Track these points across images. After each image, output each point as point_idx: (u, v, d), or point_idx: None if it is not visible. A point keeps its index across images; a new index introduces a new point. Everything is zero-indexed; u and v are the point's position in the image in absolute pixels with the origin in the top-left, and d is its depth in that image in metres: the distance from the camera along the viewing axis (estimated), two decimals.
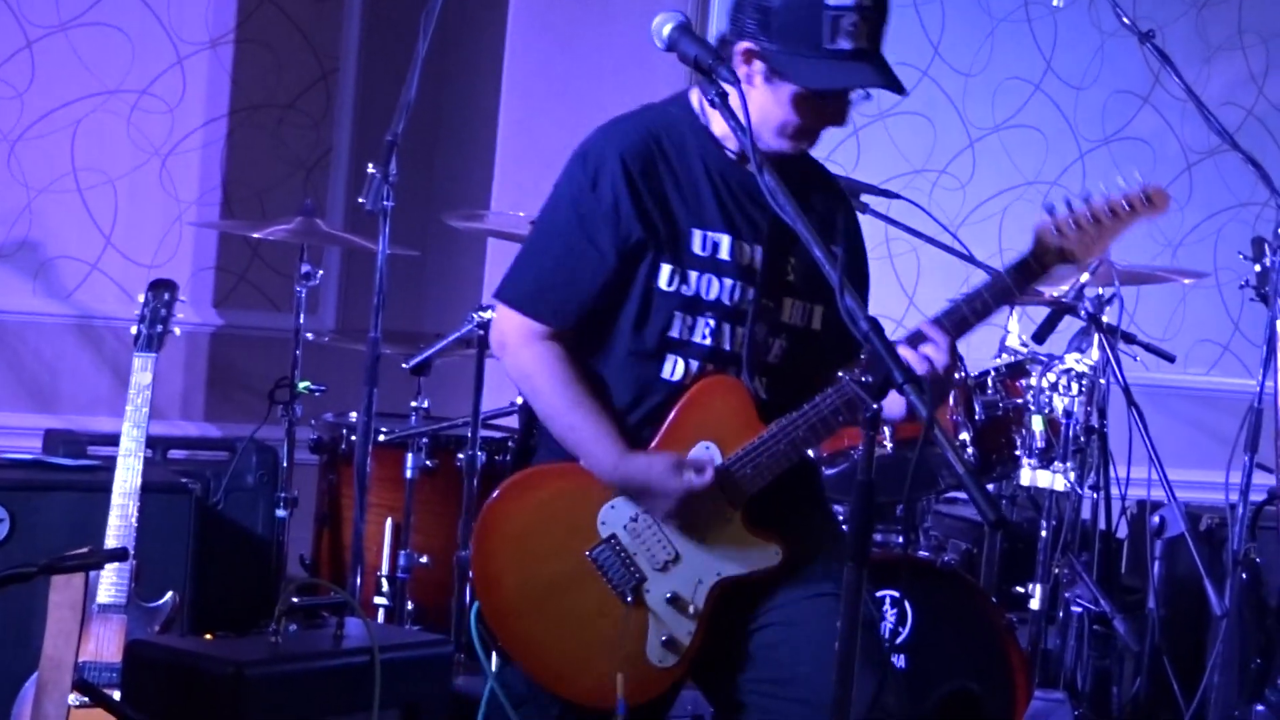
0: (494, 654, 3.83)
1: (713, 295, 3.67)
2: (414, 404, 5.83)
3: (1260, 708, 5.58)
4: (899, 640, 5.16)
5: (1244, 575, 5.43)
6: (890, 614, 5.17)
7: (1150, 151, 7.50)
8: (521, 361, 3.72)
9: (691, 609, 3.67)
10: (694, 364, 3.68)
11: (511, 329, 3.73)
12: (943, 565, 5.35)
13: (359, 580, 5.36)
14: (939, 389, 3.59)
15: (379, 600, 5.71)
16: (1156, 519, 6.05)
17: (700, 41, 3.51)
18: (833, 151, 7.09)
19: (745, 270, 3.68)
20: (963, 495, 6.31)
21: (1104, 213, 3.65)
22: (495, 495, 3.79)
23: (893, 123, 7.24)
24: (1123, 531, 6.49)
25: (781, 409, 3.64)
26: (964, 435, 5.43)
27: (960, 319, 3.60)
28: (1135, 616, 5.86)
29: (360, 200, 5.12)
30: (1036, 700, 5.26)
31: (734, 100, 3.42)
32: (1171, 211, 7.37)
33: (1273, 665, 5.67)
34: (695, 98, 3.73)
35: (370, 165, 5.08)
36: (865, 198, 5.43)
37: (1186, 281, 6.49)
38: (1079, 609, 5.63)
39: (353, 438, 5.65)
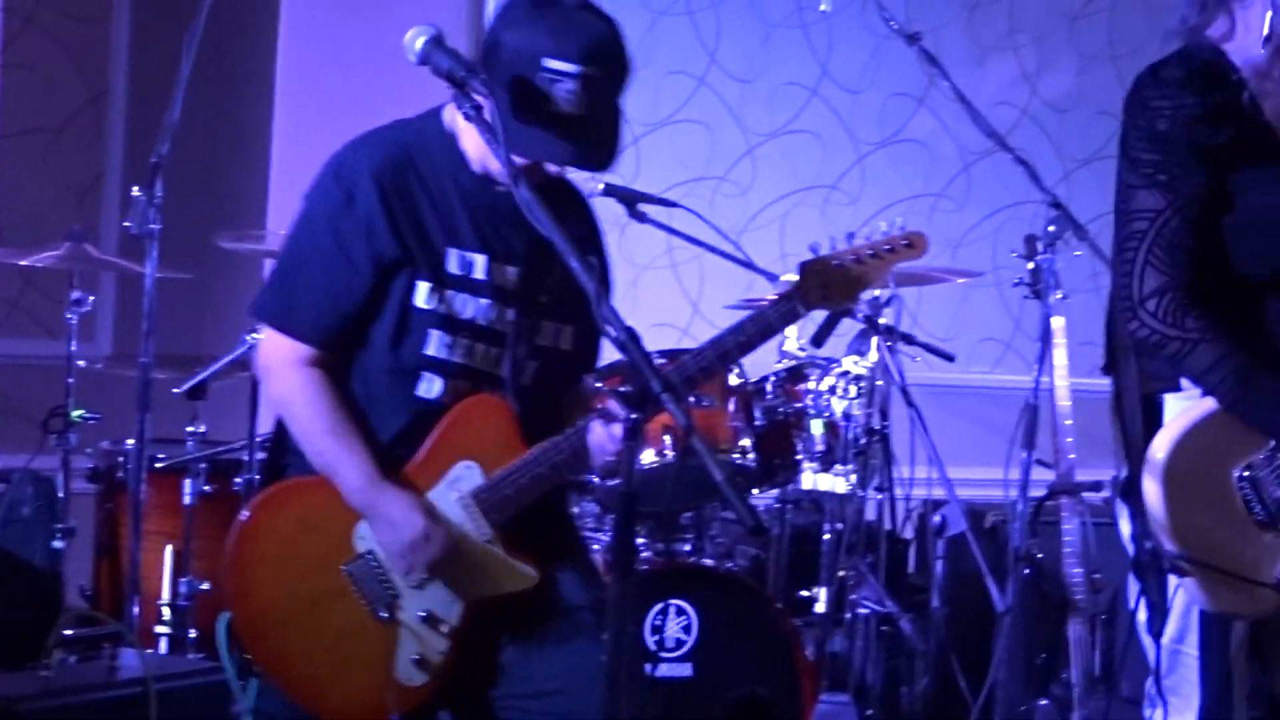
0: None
1: (468, 314, 3.66)
2: (190, 429, 5.76)
3: (1045, 702, 5.64)
4: (685, 649, 5.15)
5: (1026, 571, 5.48)
6: (676, 623, 5.16)
7: (927, 153, 7.58)
8: (283, 386, 3.70)
9: (445, 627, 3.66)
10: (449, 382, 3.67)
11: (274, 351, 3.71)
12: (727, 572, 5.36)
13: (137, 610, 5.29)
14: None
15: (161, 629, 5.63)
16: (938, 518, 6.10)
17: (453, 54, 3.47)
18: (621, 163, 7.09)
19: (501, 290, 3.69)
20: (756, 501, 6.33)
21: (866, 254, 3.69)
22: (249, 509, 3.77)
23: (671, 131, 7.25)
24: (910, 532, 6.54)
25: (534, 429, 3.65)
26: (744, 441, 5.44)
27: (703, 367, 3.61)
28: (922, 616, 5.91)
29: (126, 224, 5.05)
30: (822, 703, 5.28)
31: (488, 114, 3.40)
32: (950, 211, 7.52)
33: (1057, 659, 5.74)
34: (448, 114, 3.72)
35: (136, 188, 5.00)
36: (646, 208, 5.42)
37: (960, 281, 6.54)
38: (865, 610, 5.66)
39: (129, 465, 5.56)
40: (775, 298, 3.70)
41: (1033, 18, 7.70)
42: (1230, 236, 3.58)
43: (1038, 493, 5.56)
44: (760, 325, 3.64)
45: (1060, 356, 5.59)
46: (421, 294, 3.63)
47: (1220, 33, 3.67)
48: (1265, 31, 3.62)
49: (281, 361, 3.69)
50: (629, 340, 3.09)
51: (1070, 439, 5.61)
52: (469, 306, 3.66)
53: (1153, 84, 3.61)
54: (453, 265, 3.65)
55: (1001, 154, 5.66)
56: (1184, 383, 3.62)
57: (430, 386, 3.67)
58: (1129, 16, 7.54)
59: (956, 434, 7.15)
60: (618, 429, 3.50)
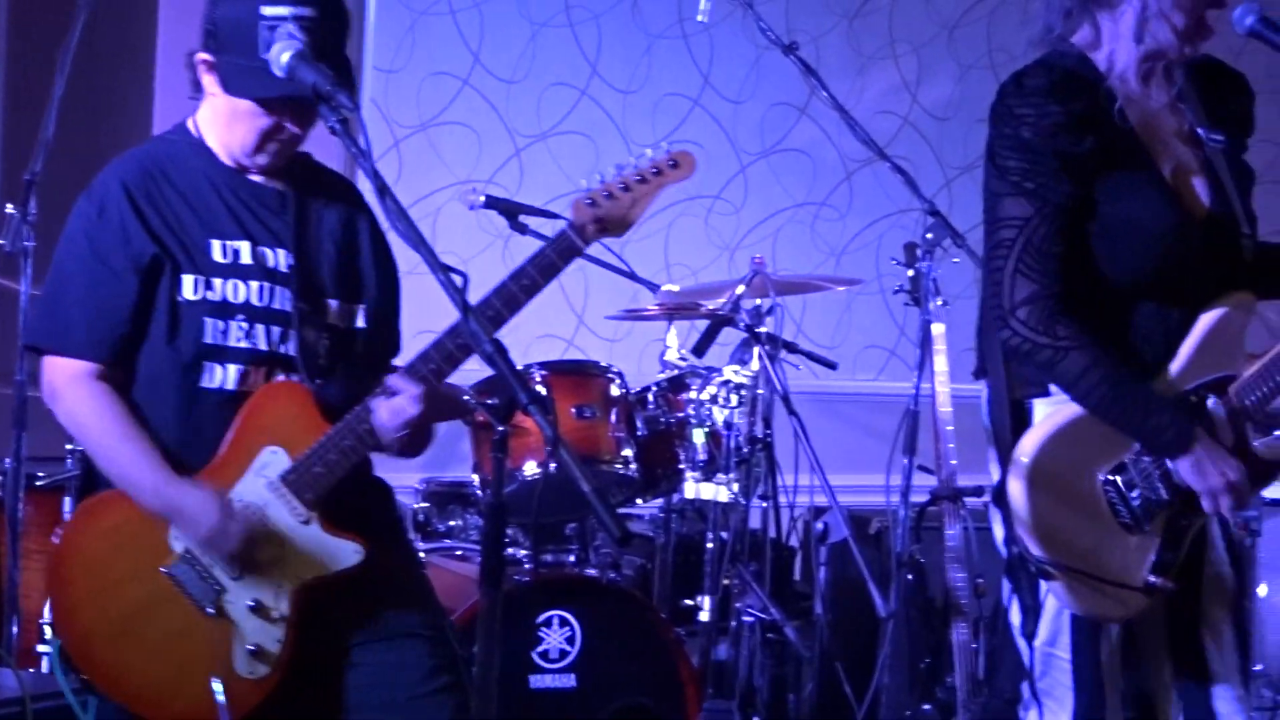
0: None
1: (240, 298, 3.72)
2: (70, 447, 5.69)
3: (928, 706, 5.68)
4: (569, 660, 5.15)
5: (909, 576, 5.51)
6: (560, 633, 5.16)
7: (810, 162, 7.61)
8: (69, 405, 3.73)
9: (276, 614, 3.67)
10: (243, 369, 3.71)
11: (56, 374, 3.75)
12: (610, 582, 5.36)
13: (16, 629, 5.23)
14: (414, 441, 3.68)
15: (43, 648, 5.56)
16: (821, 525, 6.13)
17: (319, 68, 3.48)
18: (495, 173, 7.09)
19: (272, 273, 3.75)
20: (637, 512, 6.34)
21: (634, 179, 3.74)
22: (64, 527, 3.78)
23: (554, 142, 7.24)
24: (796, 539, 6.56)
25: (339, 407, 3.68)
26: (626, 451, 5.45)
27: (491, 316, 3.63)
28: (806, 623, 5.93)
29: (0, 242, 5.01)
30: (707, 711, 5.29)
31: (205, 110, 3.74)
32: (833, 220, 7.56)
33: (941, 664, 5.77)
34: (191, 122, 3.82)
35: (9, 206, 4.97)
36: (527, 219, 5.42)
37: (840, 289, 6.58)
38: (750, 618, 5.67)
39: (7, 484, 5.50)
40: (552, 236, 3.73)
41: (913, 27, 7.74)
42: (1097, 243, 3.62)
43: (921, 498, 5.60)
44: (541, 265, 3.70)
45: (941, 363, 5.63)
46: (188, 287, 3.69)
47: (1086, 40, 3.71)
48: (1133, 34, 3.67)
49: (65, 382, 3.72)
50: (496, 352, 3.09)
51: (952, 444, 5.66)
52: (240, 291, 3.72)
53: (1017, 92, 3.64)
54: (217, 254, 3.72)
55: (883, 162, 5.70)
56: (1052, 388, 3.65)
57: (218, 376, 3.71)
58: (1007, 25, 7.60)
59: (841, 440, 7.19)
60: (400, 402, 3.57)
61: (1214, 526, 3.79)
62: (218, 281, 3.70)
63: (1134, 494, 3.60)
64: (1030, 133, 3.59)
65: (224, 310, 3.70)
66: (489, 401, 3.19)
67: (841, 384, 7.13)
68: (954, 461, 5.63)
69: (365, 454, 3.69)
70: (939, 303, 5.54)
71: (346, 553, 3.67)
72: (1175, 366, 3.63)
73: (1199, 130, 3.74)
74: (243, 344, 3.70)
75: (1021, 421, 3.68)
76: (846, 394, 7.44)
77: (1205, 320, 3.64)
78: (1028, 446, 3.60)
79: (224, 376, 3.70)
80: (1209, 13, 3.66)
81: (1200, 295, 3.65)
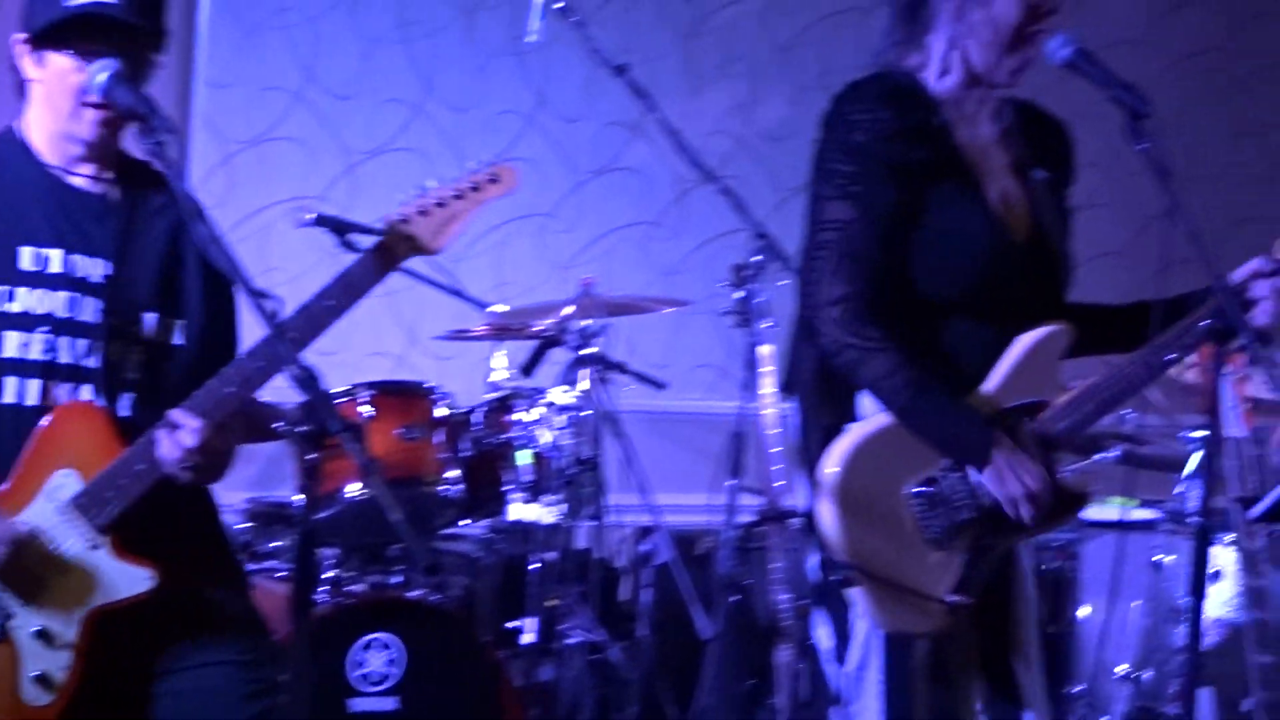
0: None
1: (44, 309, 3.63)
2: None
3: None
4: (391, 683, 5.13)
5: (734, 597, 5.53)
6: (381, 656, 5.13)
7: (642, 181, 7.61)
8: None
9: (62, 641, 3.58)
10: (37, 384, 3.62)
11: None
12: (433, 604, 5.34)
13: None
14: (207, 469, 3.58)
15: None
16: (646, 546, 6.15)
17: (136, 91, 3.46)
18: (327, 190, 7.04)
19: (82, 284, 3.66)
20: (463, 532, 6.32)
21: (450, 196, 3.70)
22: None
23: (388, 159, 7.21)
24: (623, 560, 6.58)
25: (141, 428, 3.58)
26: (451, 472, 5.44)
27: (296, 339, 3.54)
28: (631, 644, 5.94)
29: None
30: None
31: (30, 108, 3.67)
32: (665, 240, 7.57)
33: (765, 685, 5.80)
34: (17, 124, 3.73)
35: None
36: (357, 237, 5.38)
37: (667, 311, 6.59)
38: (575, 640, 5.68)
39: None
40: (361, 253, 3.68)
41: (747, 48, 7.77)
42: (916, 255, 3.66)
43: (747, 519, 5.62)
44: (348, 283, 3.63)
45: (768, 384, 5.67)
46: None
47: (916, 64, 3.76)
48: (939, 64, 3.72)
49: None
50: (308, 379, 3.07)
51: (778, 466, 5.69)
52: (45, 302, 3.63)
53: (852, 98, 3.68)
54: (25, 262, 3.63)
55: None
56: (860, 410, 3.68)
57: (19, 391, 3.61)
58: (840, 48, 7.65)
59: (672, 460, 7.20)
60: (181, 436, 3.48)
61: (1022, 551, 3.83)
62: (21, 291, 3.61)
63: (940, 510, 3.64)
64: (862, 137, 3.63)
65: (25, 322, 3.60)
66: (300, 429, 3.13)
67: (672, 404, 7.14)
68: (780, 482, 5.65)
69: (158, 475, 3.57)
70: (767, 324, 5.57)
71: (136, 579, 3.57)
72: (989, 386, 3.67)
73: (1025, 166, 3.80)
74: (44, 358, 3.61)
75: (830, 440, 3.69)
76: (677, 414, 7.45)
77: (1022, 343, 3.68)
78: (833, 460, 3.62)
79: (24, 391, 3.61)
80: (1022, 47, 3.71)
81: (1016, 319, 3.69)
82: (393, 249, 3.64)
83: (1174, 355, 3.69)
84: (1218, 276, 3.56)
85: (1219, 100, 8.71)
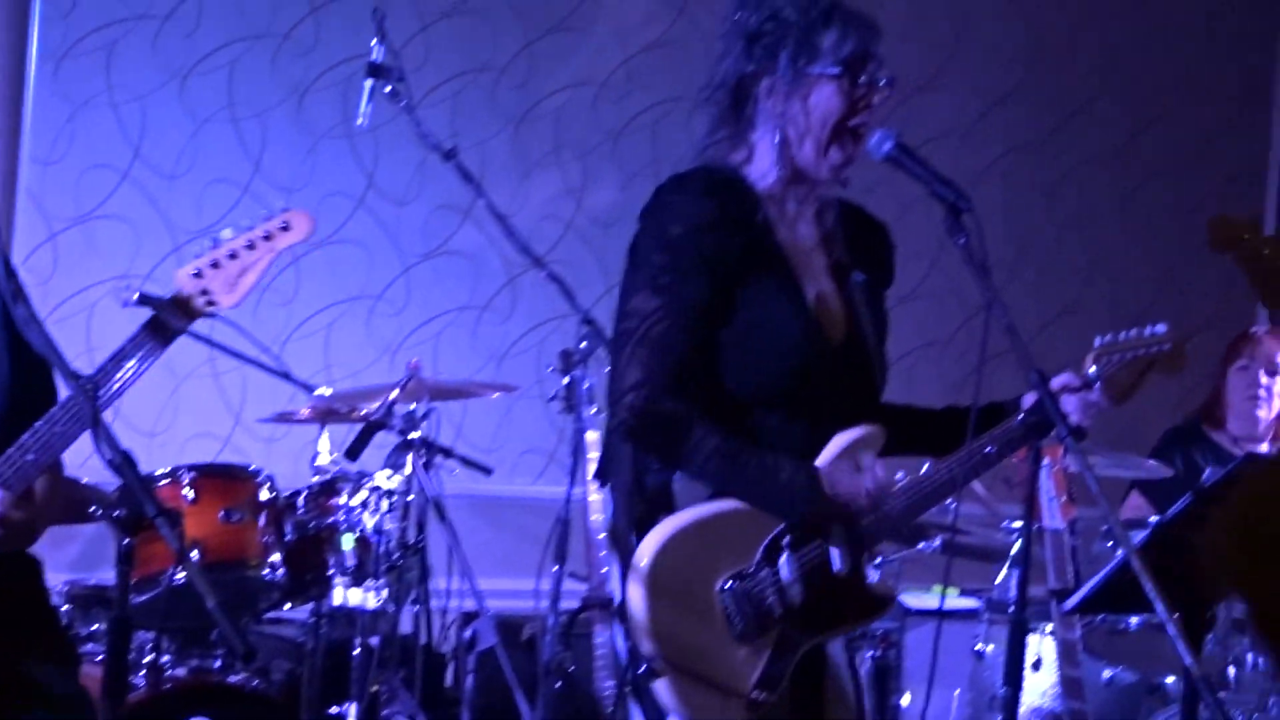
0: None
1: None
2: None
3: None
4: None
5: (557, 684, 5.52)
6: None
7: (473, 265, 7.61)
8: None
9: None
10: None
11: None
12: (252, 689, 5.29)
13: None
14: (10, 541, 3.53)
15: None
16: (469, 632, 6.12)
17: None
18: (153, 269, 6.98)
19: None
20: (289, 616, 6.27)
21: (242, 246, 3.67)
22: None
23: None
24: (449, 645, 6.54)
25: None
26: (274, 555, 5.40)
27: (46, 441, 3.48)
28: None
29: None
30: None
31: None
32: (495, 324, 7.57)
33: None
34: None
35: None
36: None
37: (494, 395, 6.60)
38: None
39: None
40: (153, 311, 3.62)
41: (577, 134, 7.80)
42: (728, 350, 3.68)
43: (572, 605, 5.63)
44: (142, 344, 3.56)
45: (593, 470, 5.68)
46: None
47: (740, 158, 3.79)
48: (766, 160, 3.76)
49: None
50: (124, 462, 3.05)
51: (603, 552, 5.69)
52: None
53: (674, 190, 3.71)
54: None
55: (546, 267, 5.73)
56: (675, 500, 3.70)
57: None
58: (671, 135, 7.70)
59: (499, 545, 7.19)
60: None
61: (835, 645, 3.86)
62: None
63: (748, 605, 3.65)
64: (679, 229, 3.65)
65: None
66: (115, 513, 3.10)
67: (500, 488, 7.14)
68: (605, 569, 5.66)
69: None
70: (593, 410, 5.59)
71: None
72: None
73: (845, 268, 3.84)
74: None
75: (645, 529, 3.70)
76: (505, 498, 7.44)
77: (836, 442, 3.71)
78: (646, 550, 3.64)
79: None
80: (844, 140, 3.76)
81: (830, 418, 3.72)
82: (186, 303, 3.58)
83: (993, 451, 3.75)
84: (1034, 370, 3.61)
85: (1042, 194, 8.86)
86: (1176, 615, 3.93)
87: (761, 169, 3.78)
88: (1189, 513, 4.06)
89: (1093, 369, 3.79)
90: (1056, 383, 3.76)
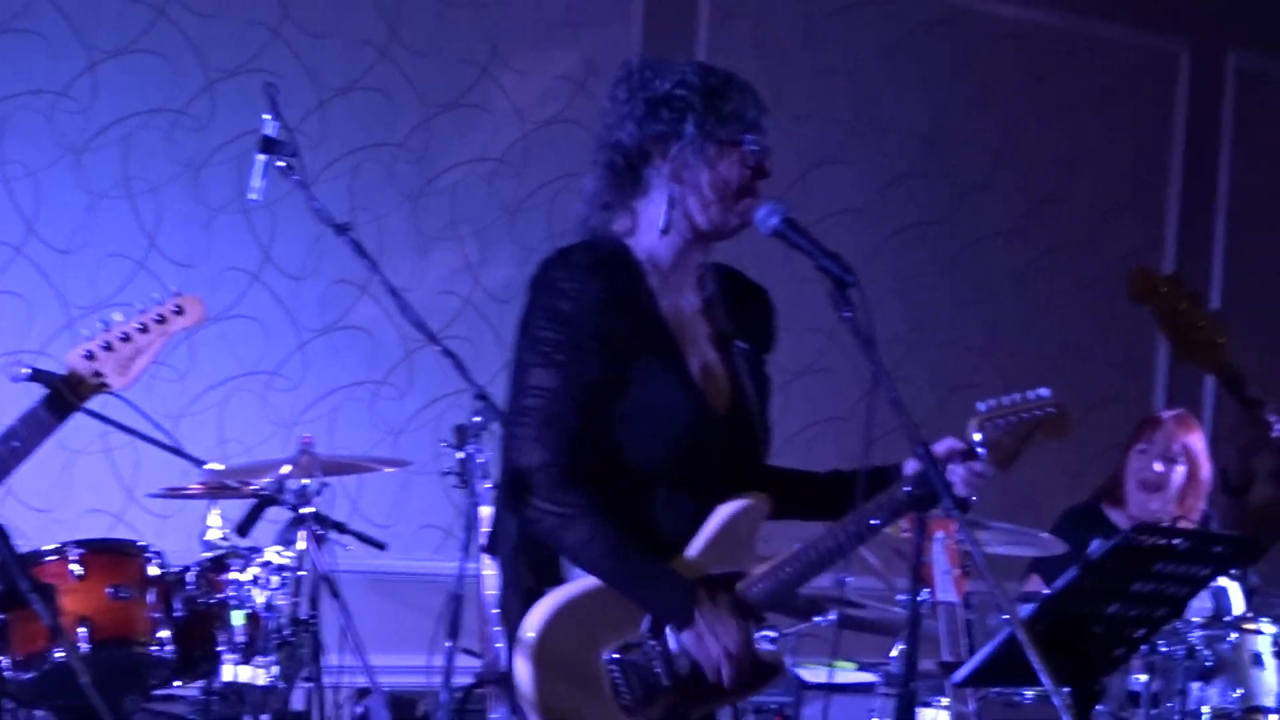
0: None
1: None
2: None
3: None
4: None
5: None
6: None
7: (370, 340, 7.59)
8: None
9: None
10: None
11: None
12: None
13: None
14: None
15: None
16: (360, 709, 6.08)
17: None
18: (47, 345, 6.92)
19: None
20: (178, 692, 6.19)
21: (135, 329, 3.67)
22: None
23: (110, 314, 7.10)
24: None
25: None
26: (163, 632, 5.35)
27: None
28: None
29: None
30: None
31: None
32: (392, 399, 7.54)
33: None
34: None
35: None
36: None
37: (388, 470, 6.57)
38: None
39: None
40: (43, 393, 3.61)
41: (474, 209, 7.81)
42: (621, 425, 3.68)
43: (466, 680, 5.58)
44: (32, 424, 3.57)
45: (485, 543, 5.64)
46: None
47: (624, 228, 3.79)
48: (662, 224, 3.77)
49: None
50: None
51: (498, 627, 5.65)
52: None
53: (561, 266, 3.71)
54: None
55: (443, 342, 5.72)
56: (562, 574, 3.69)
57: None
58: (568, 210, 7.64)
59: (395, 621, 7.15)
60: None
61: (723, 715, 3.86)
62: None
63: (636, 676, 3.65)
64: (570, 306, 3.65)
65: None
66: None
67: (396, 563, 7.10)
68: (500, 644, 5.61)
69: None
70: (487, 485, 5.56)
71: None
72: (688, 555, 3.70)
73: (726, 336, 3.85)
74: None
75: (532, 602, 3.70)
76: (400, 574, 7.40)
77: (720, 514, 3.72)
78: (533, 622, 3.64)
79: None
80: (744, 205, 3.77)
81: (716, 490, 3.73)
82: (77, 385, 3.58)
83: (878, 522, 3.75)
84: (920, 444, 3.62)
85: (939, 271, 8.93)
86: (1065, 689, 3.95)
87: (648, 239, 3.79)
88: (1077, 586, 4.07)
89: (977, 435, 3.80)
90: (941, 448, 3.77)
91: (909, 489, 3.76)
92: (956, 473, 3.77)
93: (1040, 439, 3.88)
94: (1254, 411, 4.52)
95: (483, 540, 5.53)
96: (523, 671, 3.59)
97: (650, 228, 3.79)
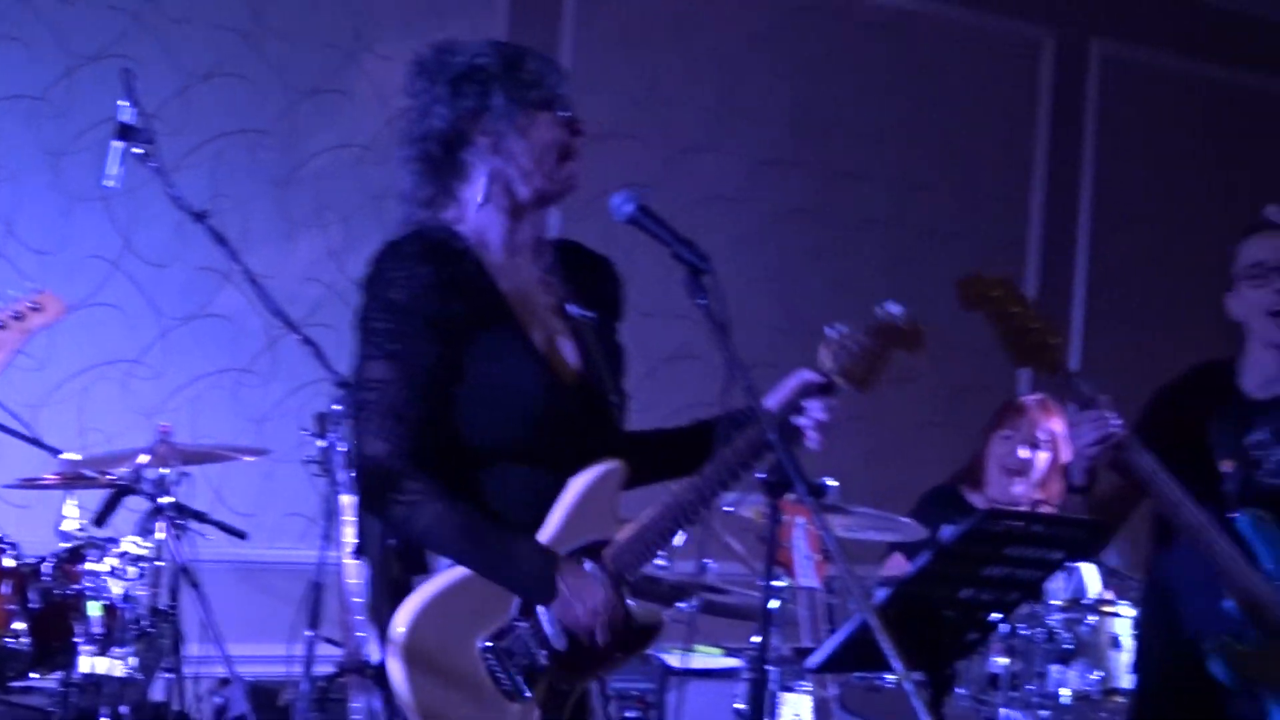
0: None
1: None
2: None
3: None
4: None
5: None
6: None
7: (233, 327, 7.52)
8: None
9: None
10: None
11: None
12: None
13: None
14: None
15: None
16: (219, 699, 6.05)
17: None
18: None
19: None
20: (36, 684, 6.13)
21: None
22: None
23: None
24: (206, 712, 6.45)
25: None
26: (18, 624, 5.31)
27: None
28: None
29: None
30: None
31: None
32: (256, 386, 7.48)
33: None
34: None
35: None
36: None
37: (249, 459, 6.52)
38: None
39: None
40: None
41: (340, 196, 7.75)
42: (464, 407, 3.67)
43: (328, 669, 5.56)
44: None
45: (350, 534, 5.61)
46: None
47: (453, 217, 3.78)
48: (481, 197, 3.76)
49: None
50: None
51: (360, 616, 5.62)
52: None
53: (390, 257, 3.70)
54: None
55: (307, 329, 5.67)
56: (429, 564, 3.67)
57: None
58: None
59: (257, 610, 7.09)
60: None
61: (594, 694, 3.85)
62: None
63: (513, 660, 3.64)
64: (400, 294, 3.64)
65: None
66: None
67: (259, 553, 7.06)
68: (362, 633, 5.59)
69: None
70: (349, 473, 5.53)
71: None
72: (548, 532, 3.69)
73: (568, 305, 3.84)
74: None
75: (401, 599, 3.68)
76: (264, 562, 7.35)
77: (576, 485, 3.71)
78: (401, 619, 3.62)
79: None
80: (566, 168, 3.77)
81: (571, 461, 3.72)
82: None
83: (726, 479, 3.76)
84: (771, 432, 3.62)
85: (815, 257, 8.97)
86: (917, 673, 3.97)
87: (476, 221, 3.78)
88: (929, 571, 4.10)
89: (830, 363, 3.81)
90: (794, 381, 3.78)
91: (763, 475, 3.77)
92: (815, 407, 3.77)
93: (896, 356, 3.89)
94: (1092, 409, 4.57)
95: (349, 531, 5.52)
96: (397, 673, 3.58)
97: (478, 210, 3.78)
